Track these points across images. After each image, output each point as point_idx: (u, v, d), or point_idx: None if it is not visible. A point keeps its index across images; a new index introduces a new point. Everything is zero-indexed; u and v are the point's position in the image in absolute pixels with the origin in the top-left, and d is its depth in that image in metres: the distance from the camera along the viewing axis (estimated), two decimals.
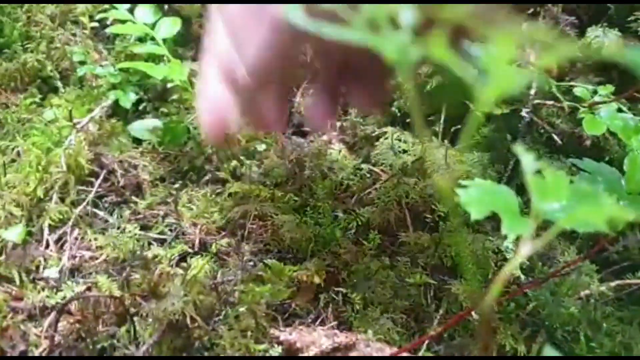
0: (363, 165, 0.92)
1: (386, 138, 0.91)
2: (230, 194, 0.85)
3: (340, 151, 0.94)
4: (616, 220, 0.35)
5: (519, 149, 0.36)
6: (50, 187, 0.81)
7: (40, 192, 0.79)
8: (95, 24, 1.00)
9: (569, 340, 0.72)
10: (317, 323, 0.72)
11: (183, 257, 0.77)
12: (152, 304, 0.70)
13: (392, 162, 0.89)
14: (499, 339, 0.71)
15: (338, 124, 0.97)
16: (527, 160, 0.35)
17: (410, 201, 0.84)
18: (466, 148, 0.88)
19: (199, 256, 0.77)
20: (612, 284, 0.76)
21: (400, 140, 0.91)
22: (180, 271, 0.73)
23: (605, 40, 0.81)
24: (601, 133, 0.75)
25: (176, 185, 0.87)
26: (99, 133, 0.88)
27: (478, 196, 0.46)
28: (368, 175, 0.91)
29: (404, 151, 0.90)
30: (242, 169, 0.90)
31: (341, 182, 0.89)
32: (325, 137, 0.96)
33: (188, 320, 0.68)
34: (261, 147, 0.94)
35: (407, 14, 0.31)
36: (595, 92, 0.79)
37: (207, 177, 0.90)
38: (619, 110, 0.78)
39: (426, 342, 0.71)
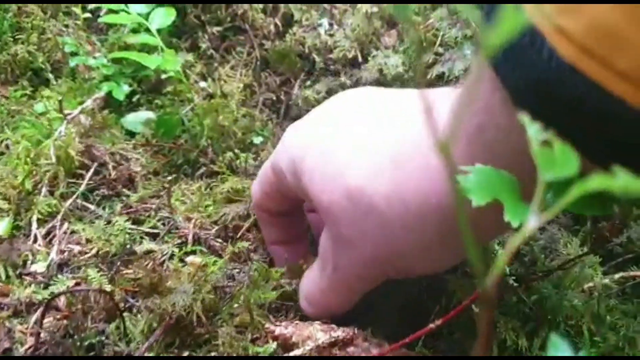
0: None
1: None
2: (225, 189, 0.83)
3: None
4: (632, 190, 0.32)
5: (525, 119, 0.33)
6: (40, 180, 0.79)
7: (28, 185, 0.77)
8: (88, 15, 0.97)
9: (572, 334, 0.69)
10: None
11: (179, 252, 0.74)
12: (152, 300, 0.67)
13: None
14: (500, 332, 0.69)
15: None
16: (534, 130, 0.33)
17: None
18: None
19: (195, 254, 0.74)
20: (616, 276, 0.74)
21: None
22: (180, 267, 0.70)
23: None
24: None
25: (169, 179, 0.84)
26: (91, 125, 0.85)
27: (479, 182, 0.43)
28: None
29: None
30: (237, 162, 0.87)
31: None
32: None
33: (194, 317, 0.65)
34: (258, 139, 0.91)
35: None
36: None
37: (201, 171, 0.88)
38: None
39: (423, 336, 0.68)
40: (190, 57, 0.97)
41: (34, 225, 0.75)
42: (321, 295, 0.67)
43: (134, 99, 0.92)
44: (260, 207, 0.73)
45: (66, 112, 0.84)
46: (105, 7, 0.91)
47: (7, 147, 0.83)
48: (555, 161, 0.32)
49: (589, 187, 0.28)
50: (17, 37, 0.95)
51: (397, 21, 0.95)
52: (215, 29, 0.99)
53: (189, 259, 0.73)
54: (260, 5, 0.99)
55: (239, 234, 0.79)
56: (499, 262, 0.28)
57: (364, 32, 0.94)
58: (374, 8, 0.94)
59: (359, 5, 0.95)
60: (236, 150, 0.88)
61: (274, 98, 0.97)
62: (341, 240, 0.61)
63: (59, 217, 0.76)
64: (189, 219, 0.80)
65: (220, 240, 0.78)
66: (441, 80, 0.87)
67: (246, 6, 0.98)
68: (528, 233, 0.29)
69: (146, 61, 0.84)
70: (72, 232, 0.76)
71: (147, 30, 0.90)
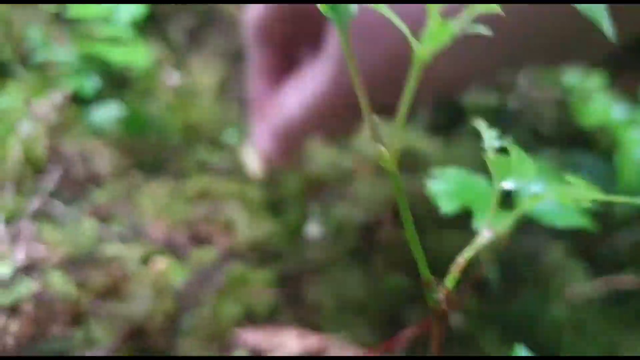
0: (341, 157, 0.88)
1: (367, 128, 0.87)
2: (195, 189, 0.81)
3: (316, 144, 0.89)
4: (583, 199, 0.32)
5: (480, 125, 0.32)
6: (4, 177, 0.76)
7: None
8: (56, 6, 0.94)
9: (554, 341, 0.69)
10: (285, 326, 0.68)
11: (144, 256, 0.72)
12: (113, 306, 0.66)
13: (370, 155, 0.85)
14: (480, 340, 0.68)
15: None
16: (489, 137, 0.32)
17: (391, 197, 0.81)
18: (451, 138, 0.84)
19: (161, 256, 0.72)
20: (599, 283, 0.73)
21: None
22: (143, 271, 0.69)
23: None
24: (594, 124, 0.72)
25: (138, 179, 0.82)
26: (58, 121, 0.82)
27: (449, 188, 0.42)
28: (346, 167, 0.86)
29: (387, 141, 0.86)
30: (209, 161, 0.85)
31: (316, 174, 0.85)
32: None
33: (152, 326, 0.63)
34: (232, 137, 0.89)
35: None
36: (585, 81, 0.76)
37: (171, 169, 0.85)
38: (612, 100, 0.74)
39: (400, 343, 0.67)
40: (160, 48, 0.94)
41: (0, 225, 0.73)
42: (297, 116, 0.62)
43: (102, 94, 0.89)
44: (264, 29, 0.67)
45: (32, 107, 0.81)
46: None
47: None
48: (511, 168, 0.31)
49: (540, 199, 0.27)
50: None
51: None
52: (188, 19, 0.96)
53: (154, 262, 0.71)
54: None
55: (210, 237, 0.77)
56: (449, 277, 0.27)
57: None
58: None
59: None
60: (208, 149, 0.86)
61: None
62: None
63: (24, 217, 0.74)
64: (157, 220, 0.78)
65: (189, 242, 0.76)
66: None
67: None
68: (481, 244, 0.28)
69: (113, 55, 0.81)
70: (38, 233, 0.73)
71: (117, 22, 0.88)
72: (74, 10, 0.87)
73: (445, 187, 0.42)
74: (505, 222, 0.33)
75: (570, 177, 0.34)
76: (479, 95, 0.83)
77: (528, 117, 0.81)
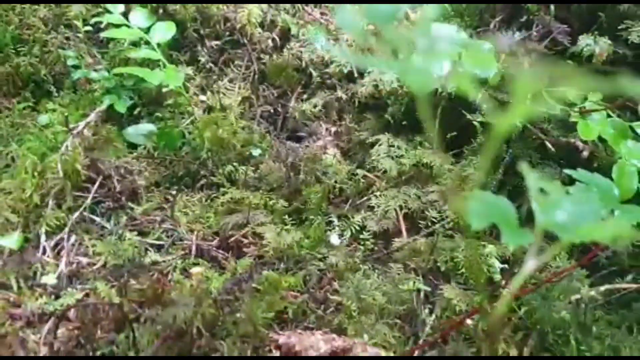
0: (358, 171, 0.93)
1: (381, 144, 0.92)
2: (224, 201, 0.86)
3: (334, 156, 0.94)
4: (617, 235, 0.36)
5: (524, 167, 0.37)
6: (47, 193, 0.81)
7: (36, 199, 0.80)
8: (89, 28, 0.99)
9: (559, 343, 0.74)
10: (314, 329, 0.73)
11: (182, 265, 0.77)
12: (155, 311, 0.70)
13: (388, 168, 0.89)
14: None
15: (333, 129, 0.98)
16: (532, 178, 0.37)
17: (407, 208, 0.86)
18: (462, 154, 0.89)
19: (198, 265, 0.77)
20: (602, 288, 0.78)
21: (394, 146, 0.92)
22: (182, 279, 0.74)
23: (596, 48, 0.83)
24: (593, 139, 0.77)
25: (172, 191, 0.87)
26: (95, 138, 0.88)
27: (478, 207, 0.47)
28: (363, 180, 0.91)
29: (399, 156, 0.91)
30: (236, 174, 0.90)
31: (335, 186, 0.90)
32: (320, 142, 0.96)
33: (194, 330, 0.68)
34: (256, 151, 0.94)
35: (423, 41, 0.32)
36: (585, 98, 0.81)
37: (202, 182, 0.90)
38: (609, 116, 0.79)
39: (421, 347, 0.72)
40: (189, 70, 1.00)
41: (43, 237, 0.78)
42: None
43: (135, 112, 0.95)
44: None
45: (71, 126, 0.86)
46: (106, 20, 0.93)
47: (12, 159, 0.85)
48: (551, 204, 0.36)
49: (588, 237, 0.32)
50: (19, 49, 0.97)
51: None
52: (214, 42, 1.02)
53: (192, 270, 0.76)
54: (258, 20, 1.02)
55: (241, 245, 0.82)
56: (503, 304, 0.32)
57: (359, 48, 0.97)
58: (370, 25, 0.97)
59: None
60: (235, 163, 0.91)
61: (272, 110, 1.00)
62: None
63: (67, 229, 0.79)
64: (191, 231, 0.83)
65: (222, 251, 0.81)
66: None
67: (244, 20, 1.01)
68: (527, 274, 0.33)
69: (150, 77, 0.86)
70: (80, 244, 0.78)
71: (148, 44, 0.93)
72: (109, 32, 0.93)
73: (475, 207, 0.47)
74: (546, 256, 0.37)
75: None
76: (486, 113, 0.88)
77: (532, 132, 0.86)
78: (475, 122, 0.87)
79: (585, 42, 0.84)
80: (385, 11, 0.38)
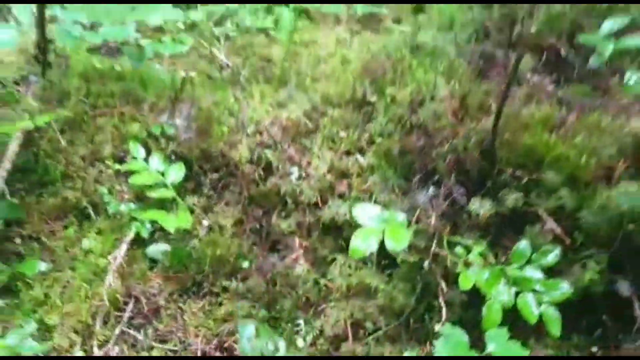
0: (321, 280, 1.25)
1: (336, 263, 1.25)
2: (222, 312, 1.19)
3: (303, 267, 1.27)
4: None
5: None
6: (95, 313, 1.14)
7: (89, 320, 1.13)
8: (118, 166, 1.30)
9: None
10: None
11: None
12: None
13: (340, 284, 1.22)
14: None
15: (304, 243, 1.30)
16: None
17: (353, 317, 1.19)
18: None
19: None
20: None
21: (345, 265, 1.24)
22: None
23: (481, 211, 1.15)
24: (469, 287, 1.09)
25: (183, 305, 1.20)
26: (126, 262, 1.20)
27: None
28: (324, 288, 1.24)
29: (349, 275, 1.24)
30: (230, 285, 1.23)
31: (304, 295, 1.23)
32: (293, 255, 1.29)
33: None
34: (245, 263, 1.27)
35: None
36: (469, 251, 1.13)
37: (205, 291, 1.23)
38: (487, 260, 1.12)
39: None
40: (195, 197, 1.31)
41: (95, 349, 1.12)
42: None
43: (155, 235, 1.27)
44: None
45: (110, 257, 1.19)
46: (130, 167, 1.25)
47: (67, 282, 1.18)
48: None
49: None
50: (65, 183, 1.29)
51: (348, 173, 1.30)
52: (214, 174, 1.33)
53: None
54: (248, 156, 1.33)
55: (232, 348, 1.16)
56: None
57: (322, 184, 1.29)
58: (328, 164, 1.29)
59: (319, 164, 1.30)
60: (229, 275, 1.24)
61: (258, 226, 1.32)
62: None
63: (112, 342, 1.13)
64: (197, 336, 1.17)
65: (219, 352, 1.15)
66: None
67: (237, 157, 1.32)
68: None
69: (166, 223, 1.19)
70: (122, 353, 1.12)
71: (165, 185, 1.25)
72: (133, 178, 1.24)
73: None
74: None
75: None
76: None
77: (435, 277, 1.18)
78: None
79: (474, 204, 1.16)
80: None
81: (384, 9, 1.80)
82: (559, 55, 1.39)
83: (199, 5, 1.74)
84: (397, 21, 1.79)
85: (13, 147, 1.28)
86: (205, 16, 1.72)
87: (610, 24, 1.15)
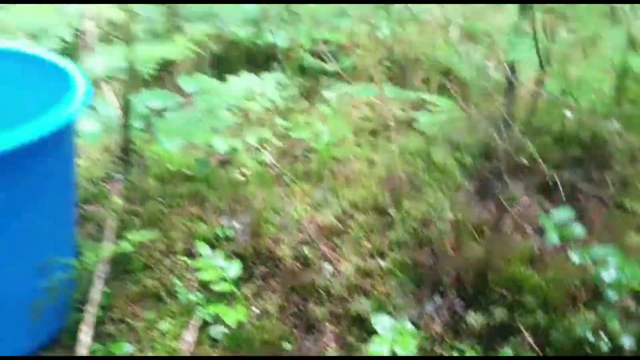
0: None
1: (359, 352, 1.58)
2: None
3: (335, 350, 1.60)
4: None
5: None
6: None
7: None
8: (186, 258, 1.63)
9: None
10: None
11: None
12: None
13: None
14: None
15: (336, 330, 1.63)
16: None
17: None
18: None
19: None
20: None
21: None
22: None
23: (475, 321, 1.47)
24: None
25: None
26: (195, 344, 1.54)
27: None
28: None
29: None
30: None
31: None
32: (325, 339, 1.62)
33: None
34: (288, 345, 1.60)
35: None
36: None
37: None
38: None
39: None
40: (248, 285, 1.64)
41: None
42: None
43: (217, 318, 1.60)
44: None
45: (177, 331, 1.53)
46: (201, 263, 1.57)
47: None
48: None
49: None
50: (145, 272, 1.62)
51: (371, 274, 1.63)
52: (261, 267, 1.66)
53: None
54: (290, 253, 1.65)
55: None
56: None
57: (349, 282, 1.61)
58: (354, 265, 1.62)
59: (347, 265, 1.63)
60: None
61: (296, 310, 1.65)
62: None
63: None
64: None
65: None
66: None
67: (281, 254, 1.65)
68: None
69: (228, 318, 1.52)
70: None
71: (225, 279, 1.58)
72: (201, 273, 1.57)
73: None
74: None
75: None
76: None
77: None
78: None
79: (471, 315, 1.48)
80: None
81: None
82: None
83: None
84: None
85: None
86: None
87: None
